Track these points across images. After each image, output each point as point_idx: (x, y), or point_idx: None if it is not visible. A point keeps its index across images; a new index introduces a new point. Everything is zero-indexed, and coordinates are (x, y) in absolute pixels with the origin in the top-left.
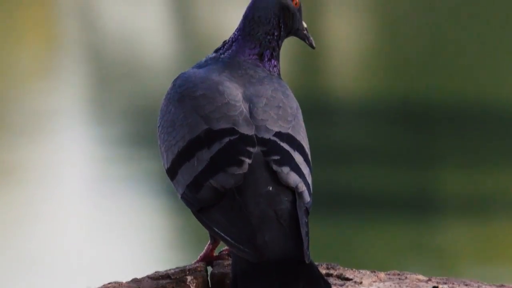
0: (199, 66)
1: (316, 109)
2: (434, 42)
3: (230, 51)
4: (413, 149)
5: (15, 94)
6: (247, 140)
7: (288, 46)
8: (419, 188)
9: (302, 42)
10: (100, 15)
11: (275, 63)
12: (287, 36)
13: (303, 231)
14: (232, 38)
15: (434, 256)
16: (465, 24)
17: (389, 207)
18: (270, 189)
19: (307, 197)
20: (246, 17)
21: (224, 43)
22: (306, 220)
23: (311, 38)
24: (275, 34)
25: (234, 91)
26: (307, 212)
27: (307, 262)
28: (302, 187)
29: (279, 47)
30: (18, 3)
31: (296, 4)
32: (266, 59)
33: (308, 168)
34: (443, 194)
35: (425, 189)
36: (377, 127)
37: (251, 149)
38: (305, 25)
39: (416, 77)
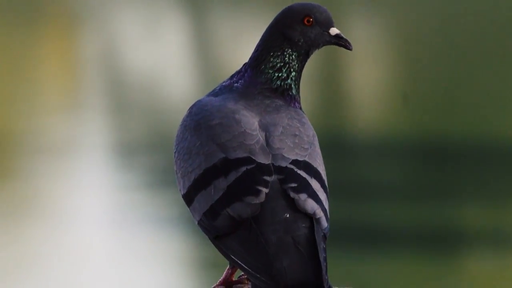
0: (215, 93)
1: (337, 144)
2: (455, 80)
3: (242, 80)
4: (434, 184)
5: (36, 127)
6: (263, 169)
7: (308, 81)
8: (441, 222)
9: (323, 76)
10: (121, 53)
11: (297, 98)
12: (309, 55)
13: (321, 256)
14: (246, 65)
15: (454, 281)
16: (489, 63)
17: (410, 242)
18: (287, 216)
19: (324, 223)
20: (256, 50)
21: (240, 70)
22: (324, 246)
23: (346, 40)
24: (288, 69)
25: (250, 120)
26: (324, 237)
27: (325, 287)
28: (320, 213)
29: (295, 79)
30: (41, 42)
31: (309, 22)
32: (286, 95)
33: (325, 194)
34: (465, 228)
35: (447, 223)
36: (398, 163)
37: (268, 178)
38: (335, 31)
39: (437, 114)
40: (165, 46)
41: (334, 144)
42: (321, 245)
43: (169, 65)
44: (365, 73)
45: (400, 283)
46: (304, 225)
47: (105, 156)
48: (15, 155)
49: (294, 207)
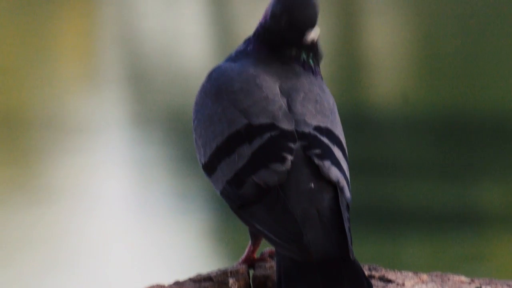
0: (232, 59)
1: (359, 121)
2: (479, 54)
3: (255, 45)
4: (456, 162)
5: (53, 103)
6: (288, 135)
7: (327, 58)
8: (464, 200)
9: (341, 52)
10: (139, 24)
11: (316, 68)
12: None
13: (346, 226)
14: (256, 32)
15: (478, 263)
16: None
17: (433, 219)
18: (312, 186)
19: (347, 193)
20: (261, 22)
21: (255, 33)
22: (348, 216)
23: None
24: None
25: (271, 85)
26: (348, 207)
27: (351, 258)
28: (343, 182)
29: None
30: (59, 16)
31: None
32: (304, 64)
33: (346, 164)
34: (488, 206)
35: (470, 201)
36: (420, 140)
37: (292, 145)
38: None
39: (460, 89)
40: (182, 16)
41: (356, 121)
42: (345, 215)
43: (187, 35)
44: (388, 50)
45: (421, 255)
46: (328, 195)
47: (124, 130)
48: (30, 130)
49: (318, 175)
